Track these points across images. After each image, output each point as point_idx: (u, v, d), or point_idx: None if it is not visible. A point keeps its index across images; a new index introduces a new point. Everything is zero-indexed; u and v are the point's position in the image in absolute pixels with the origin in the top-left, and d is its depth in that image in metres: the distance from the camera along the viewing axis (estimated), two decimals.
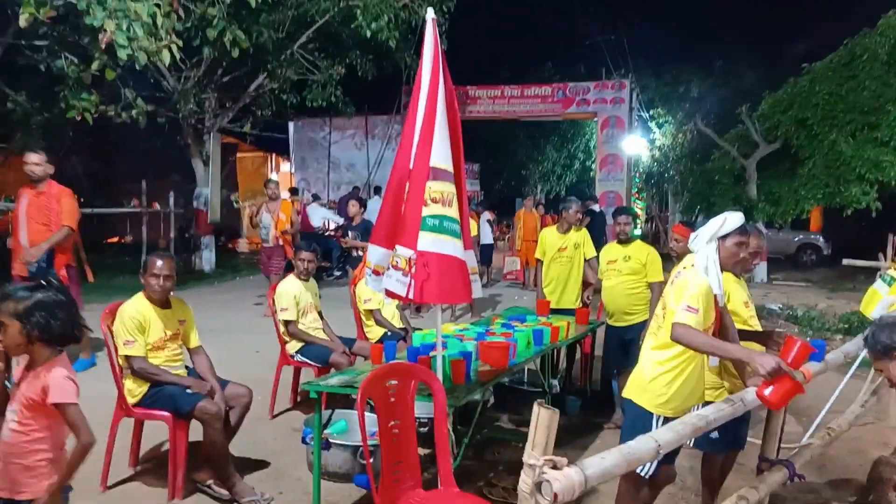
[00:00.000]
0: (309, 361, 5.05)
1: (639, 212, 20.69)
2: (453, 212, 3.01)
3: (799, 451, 3.65)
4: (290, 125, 19.11)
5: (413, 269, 2.88)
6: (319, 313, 5.37)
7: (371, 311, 5.54)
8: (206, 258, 14.26)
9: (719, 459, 3.75)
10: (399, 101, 16.35)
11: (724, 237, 3.03)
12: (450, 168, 3.03)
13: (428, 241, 2.93)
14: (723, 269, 3.03)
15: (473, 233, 10.17)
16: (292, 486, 4.04)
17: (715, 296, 2.95)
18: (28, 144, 11.80)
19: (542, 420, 1.92)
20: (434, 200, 2.94)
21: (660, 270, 5.18)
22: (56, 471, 2.28)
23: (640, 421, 3.06)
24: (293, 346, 5.11)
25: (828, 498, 4.20)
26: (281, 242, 9.12)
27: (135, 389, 3.80)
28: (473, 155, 24.62)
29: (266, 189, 9.38)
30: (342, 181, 18.56)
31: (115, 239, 18.08)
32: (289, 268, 7.28)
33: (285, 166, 20.73)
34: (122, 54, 7.03)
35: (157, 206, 12.41)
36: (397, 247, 3.00)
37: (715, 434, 3.29)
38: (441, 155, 2.98)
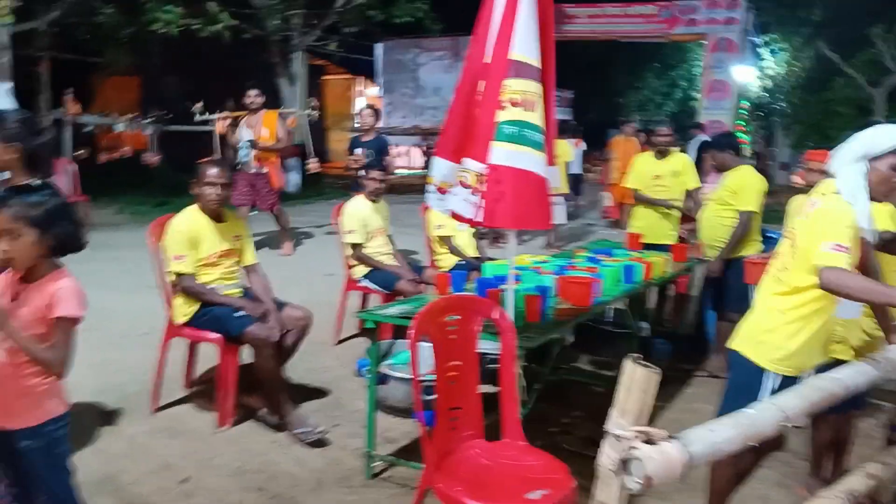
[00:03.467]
0: (375, 287, 4.73)
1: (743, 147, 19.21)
2: (536, 118, 2.46)
3: None
4: (379, 46, 18.61)
5: (484, 187, 2.41)
6: (389, 237, 5.01)
7: (443, 238, 5.13)
8: (292, 180, 14.26)
9: (833, 420, 3.19)
10: None
11: (876, 158, 2.39)
12: (536, 62, 2.46)
13: (502, 154, 2.41)
14: (871, 198, 2.41)
15: (569, 158, 9.48)
16: (350, 417, 3.77)
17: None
18: (118, 59, 11.97)
19: (638, 382, 1.46)
20: (514, 103, 2.41)
21: (750, 198, 4.46)
22: (54, 395, 2.02)
23: (749, 378, 2.55)
24: (359, 271, 4.79)
25: None
26: (265, 169, 7.17)
27: (184, 308, 3.57)
28: (566, 81, 23.45)
29: (246, 99, 7.12)
30: (427, 105, 18.00)
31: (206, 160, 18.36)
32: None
33: (372, 90, 20.33)
34: None
35: None
36: (465, 160, 2.51)
37: None
38: (525, 44, 2.41)
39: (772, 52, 21.42)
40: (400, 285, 4.55)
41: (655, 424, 1.48)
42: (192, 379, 4.00)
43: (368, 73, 19.80)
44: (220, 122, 7.65)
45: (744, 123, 20.58)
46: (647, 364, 1.46)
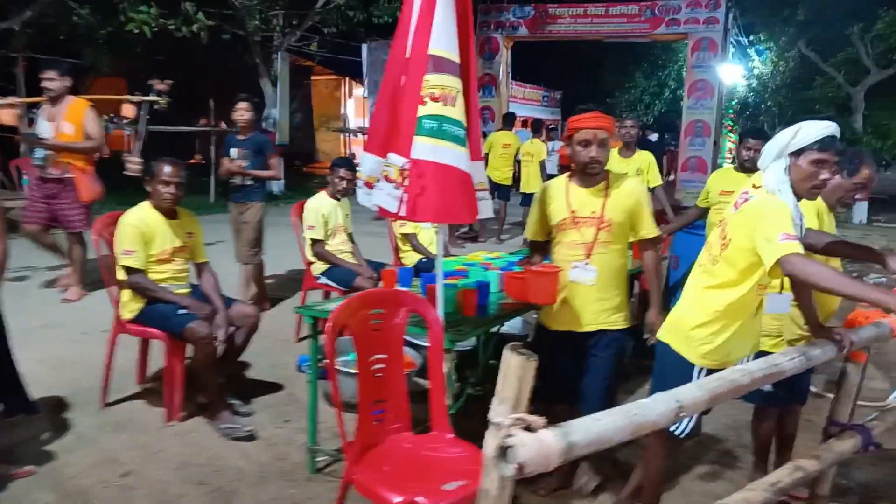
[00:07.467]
0: (333, 284, 4.75)
1: (730, 145, 19.27)
2: (457, 112, 2.47)
3: (880, 415, 3.08)
4: (364, 47, 18.65)
5: (406, 182, 2.43)
6: (350, 235, 5.03)
7: (407, 235, 5.16)
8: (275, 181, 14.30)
9: (774, 414, 3.22)
10: (475, 21, 15.50)
11: (797, 153, 2.40)
12: (455, 57, 2.48)
13: (424, 148, 2.42)
14: (796, 195, 2.43)
15: (542, 157, 9.49)
16: (302, 413, 3.77)
17: None
18: (97, 60, 11.95)
19: (513, 369, 1.48)
20: (433, 98, 2.43)
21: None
22: None
23: (676, 372, 2.56)
24: (318, 268, 4.81)
25: None
26: (68, 174, 5.40)
27: (131, 305, 3.58)
28: (555, 81, 23.51)
29: (42, 79, 5.35)
30: None
31: (198, 159, 18.37)
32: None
33: (359, 90, 20.36)
34: None
35: (223, 125, 12.30)
36: (389, 155, 2.53)
37: (768, 385, 2.75)
38: (443, 39, 2.42)
39: (758, 51, 21.53)
40: (357, 282, 4.57)
41: None
42: (146, 375, 4.01)
43: (355, 73, 19.82)
44: (3, 111, 5.66)
45: (731, 123, 20.68)
46: (525, 352, 1.48)
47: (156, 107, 7.49)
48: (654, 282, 3.12)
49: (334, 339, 2.25)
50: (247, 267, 5.57)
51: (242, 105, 5.37)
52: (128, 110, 7.56)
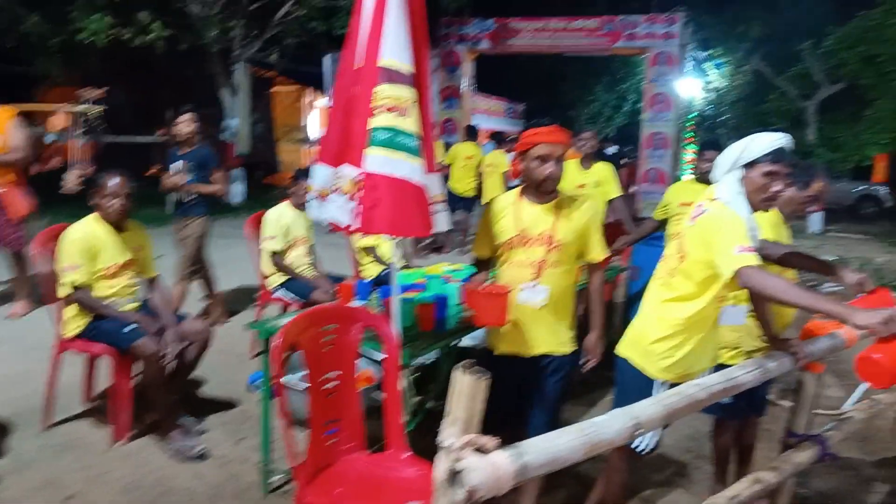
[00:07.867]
0: (291, 297, 4.63)
1: (689, 157, 19.62)
2: (410, 124, 2.41)
3: (837, 424, 3.10)
4: (327, 58, 18.56)
5: (360, 193, 2.37)
6: (311, 248, 4.91)
7: (367, 248, 5.07)
8: (236, 191, 14.06)
9: (733, 426, 3.23)
10: (437, 33, 15.54)
11: (749, 165, 2.40)
12: (407, 68, 2.44)
13: (377, 160, 2.36)
14: (751, 207, 2.43)
15: (504, 168, 9.49)
16: (256, 432, 3.67)
17: None
18: (49, 70, 11.62)
19: (464, 390, 1.43)
20: (387, 108, 2.38)
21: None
22: None
23: (636, 386, 2.55)
24: (273, 281, 4.68)
25: (870, 476, 3.64)
26: None
27: (76, 321, 3.44)
28: (518, 94, 23.69)
29: None
30: None
31: (156, 169, 18.00)
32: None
33: (320, 101, 20.24)
34: None
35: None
36: (342, 166, 2.47)
37: (727, 398, 2.74)
38: (395, 50, 2.37)
39: (716, 66, 22.00)
40: (315, 295, 4.47)
41: None
42: (92, 394, 3.86)
43: (318, 84, 19.71)
44: None
45: (693, 135, 21.05)
46: (477, 371, 1.43)
47: (88, 115, 7.07)
48: (597, 306, 3.00)
49: (281, 356, 2.17)
50: (181, 283, 5.31)
51: (185, 117, 5.10)
52: (58, 121, 7.10)
